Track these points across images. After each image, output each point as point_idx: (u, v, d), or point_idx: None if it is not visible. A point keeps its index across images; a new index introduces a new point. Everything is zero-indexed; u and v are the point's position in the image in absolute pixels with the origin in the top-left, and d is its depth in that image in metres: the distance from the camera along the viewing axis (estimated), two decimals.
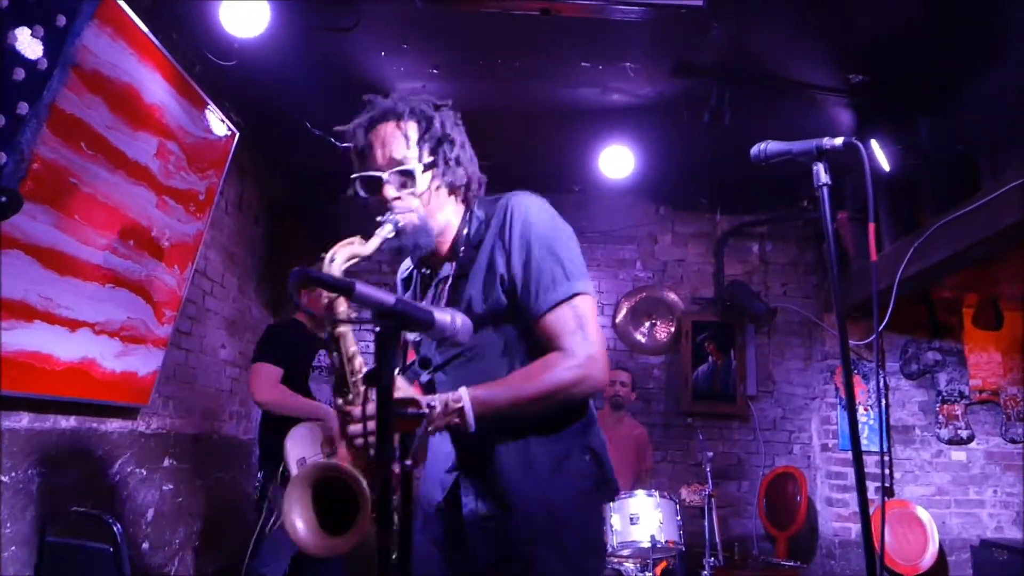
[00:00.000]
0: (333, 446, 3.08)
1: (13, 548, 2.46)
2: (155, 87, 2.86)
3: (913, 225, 3.77)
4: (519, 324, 1.43)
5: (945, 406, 4.78)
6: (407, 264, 1.67)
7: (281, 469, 2.91)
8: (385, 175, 1.41)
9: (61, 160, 2.41)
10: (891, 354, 4.87)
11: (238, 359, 4.25)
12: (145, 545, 3.32)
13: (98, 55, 2.49)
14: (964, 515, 4.68)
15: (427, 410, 1.27)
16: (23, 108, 2.20)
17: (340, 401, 1.34)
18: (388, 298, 0.99)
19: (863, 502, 1.31)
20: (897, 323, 4.67)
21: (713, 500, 3.84)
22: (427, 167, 1.43)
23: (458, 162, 1.47)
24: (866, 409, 4.70)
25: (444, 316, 1.05)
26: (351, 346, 1.36)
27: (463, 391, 1.33)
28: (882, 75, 3.39)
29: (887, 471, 4.65)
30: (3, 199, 1.12)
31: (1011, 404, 4.74)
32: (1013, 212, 2.94)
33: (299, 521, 1.30)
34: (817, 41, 3.25)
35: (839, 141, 1.37)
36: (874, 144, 3.54)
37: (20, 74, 2.17)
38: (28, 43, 2.19)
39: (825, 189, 1.39)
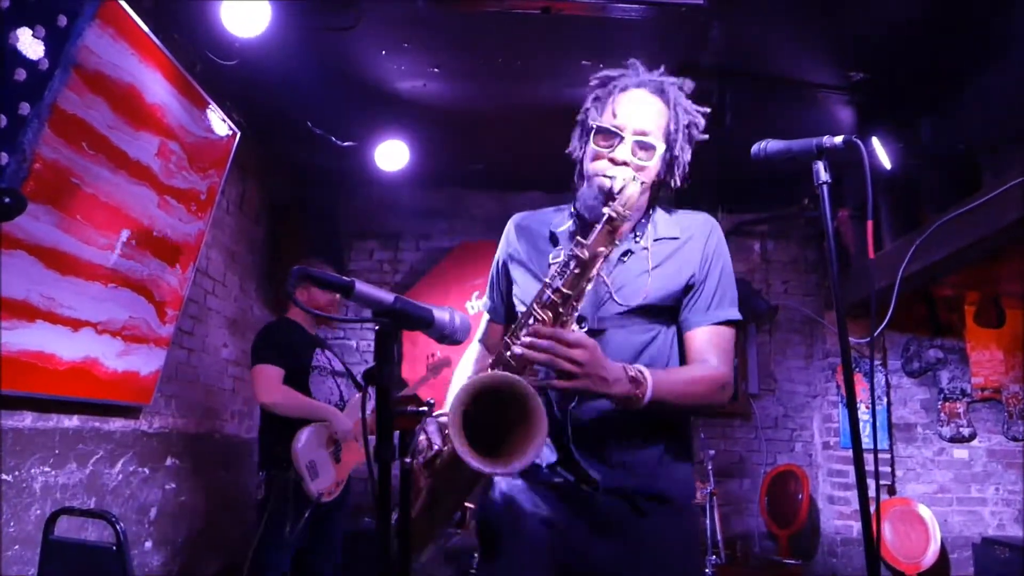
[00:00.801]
0: (337, 445, 3.08)
1: (17, 547, 2.47)
2: (156, 87, 2.87)
3: (914, 223, 3.77)
4: (675, 325, 1.52)
5: (947, 404, 4.78)
6: (561, 219, 1.63)
7: (292, 475, 2.89)
8: (628, 137, 1.45)
9: (63, 160, 2.42)
10: (893, 352, 4.87)
11: (240, 358, 4.26)
12: (148, 544, 3.33)
13: (100, 55, 2.50)
14: (966, 513, 4.68)
15: (427, 407, 1.27)
16: (25, 108, 2.21)
17: (543, 314, 1.34)
18: (387, 297, 1.00)
19: (863, 500, 1.31)
20: (898, 321, 4.67)
21: (715, 498, 3.85)
22: (664, 154, 1.49)
23: (684, 169, 1.53)
24: (867, 407, 4.70)
25: (443, 314, 1.06)
26: (593, 271, 1.35)
27: (645, 369, 1.35)
28: (883, 73, 3.38)
29: (887, 469, 4.65)
30: (7, 200, 1.12)
31: (1013, 402, 4.74)
32: (1014, 210, 2.94)
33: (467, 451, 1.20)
34: (818, 39, 3.25)
35: (839, 139, 1.37)
36: (875, 142, 3.54)
37: (22, 74, 2.18)
38: (29, 43, 2.20)
39: (825, 187, 1.39)
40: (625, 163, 1.44)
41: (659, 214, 1.57)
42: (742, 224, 5.05)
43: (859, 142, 1.34)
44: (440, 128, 4.07)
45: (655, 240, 1.52)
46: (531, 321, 1.36)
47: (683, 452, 1.53)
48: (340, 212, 4.89)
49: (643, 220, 1.54)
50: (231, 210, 4.09)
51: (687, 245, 1.52)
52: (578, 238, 1.36)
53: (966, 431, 4.74)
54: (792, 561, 4.25)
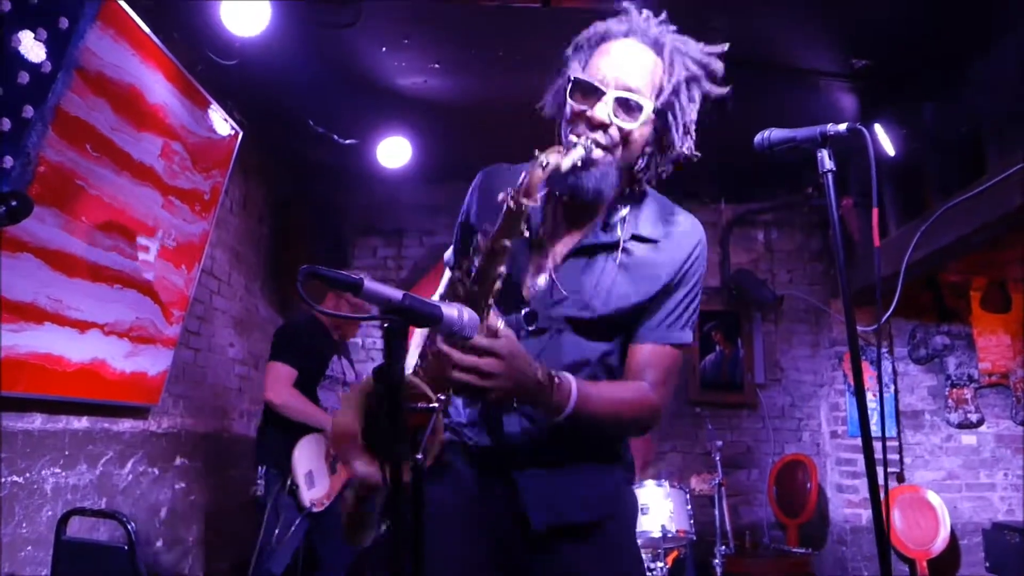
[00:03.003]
0: (335, 457, 3.09)
1: (29, 547, 2.49)
2: (158, 88, 2.87)
3: (919, 209, 3.75)
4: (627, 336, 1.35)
5: (954, 390, 4.77)
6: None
7: (289, 482, 2.91)
8: (609, 94, 1.23)
9: (67, 163, 2.43)
10: (899, 339, 4.86)
11: (247, 357, 4.27)
12: (159, 543, 3.35)
13: (101, 57, 2.50)
14: (975, 499, 4.68)
15: (438, 404, 1.25)
16: (28, 111, 2.21)
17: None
18: (396, 294, 1.00)
19: (874, 488, 1.31)
20: (904, 308, 4.66)
21: (723, 489, 3.85)
22: (652, 119, 1.26)
23: (684, 132, 1.29)
24: (874, 395, 4.69)
25: (452, 311, 1.04)
26: (501, 267, 1.18)
27: (571, 378, 1.21)
28: (885, 59, 3.36)
29: (895, 457, 4.64)
30: (14, 203, 1.13)
31: (1021, 387, 4.73)
32: (1020, 194, 2.92)
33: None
34: (819, 26, 3.23)
35: (843, 127, 1.36)
36: (878, 128, 3.52)
37: (25, 78, 2.18)
38: (32, 46, 2.20)
39: (830, 175, 1.38)
40: (603, 125, 1.23)
41: (648, 204, 1.35)
42: (746, 214, 5.03)
43: (863, 129, 1.33)
44: (442, 123, 4.06)
45: (632, 236, 1.31)
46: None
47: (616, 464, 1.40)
48: (343, 209, 4.89)
49: (619, 206, 1.33)
50: (235, 210, 4.10)
51: (666, 255, 1.31)
52: (485, 225, 1.21)
53: (974, 417, 4.73)
54: (801, 550, 4.25)
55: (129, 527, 2.03)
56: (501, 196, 1.17)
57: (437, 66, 3.55)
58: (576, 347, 1.30)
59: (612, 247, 1.30)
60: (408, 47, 3.38)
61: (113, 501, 2.98)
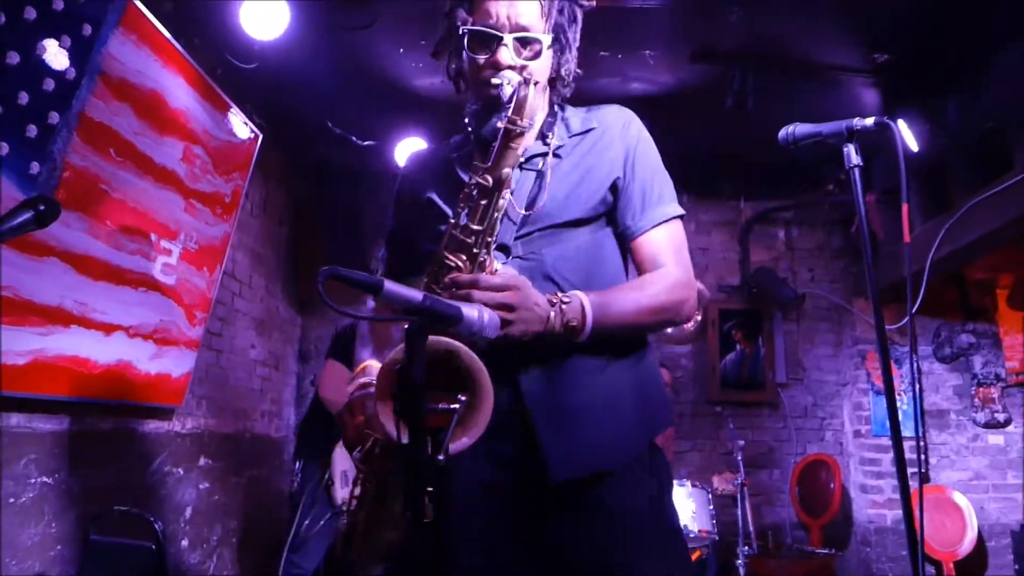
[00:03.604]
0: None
1: (59, 547, 2.52)
2: (179, 92, 2.90)
3: (944, 205, 3.70)
4: (613, 232, 1.35)
5: (981, 389, 4.69)
6: (454, 140, 1.49)
7: (327, 475, 2.95)
8: (507, 37, 1.25)
9: (91, 167, 2.46)
10: (923, 338, 4.79)
11: (267, 358, 4.31)
12: (184, 543, 3.38)
13: (124, 62, 2.53)
14: (1003, 500, 4.60)
15: (458, 404, 1.22)
16: (54, 118, 2.25)
17: (458, 260, 1.18)
18: (416, 295, 0.99)
19: (904, 488, 1.29)
20: (929, 306, 4.59)
21: (746, 489, 3.82)
22: (549, 44, 1.30)
23: (573, 51, 1.35)
24: (899, 394, 4.63)
25: (472, 312, 1.03)
26: (502, 199, 1.18)
27: (579, 294, 1.20)
28: (907, 54, 3.32)
29: (917, 456, 4.57)
30: (42, 207, 1.15)
31: None
32: None
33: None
34: (839, 21, 3.19)
35: (870, 121, 1.34)
36: (901, 124, 3.47)
37: (50, 85, 2.22)
38: (56, 54, 2.23)
39: (856, 171, 1.36)
40: (511, 67, 1.25)
41: (569, 111, 1.39)
42: (766, 212, 4.99)
43: (891, 123, 1.31)
44: (459, 124, 4.06)
45: (570, 137, 1.34)
46: (444, 271, 1.19)
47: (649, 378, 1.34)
48: (361, 210, 4.91)
49: (550, 120, 1.36)
50: (255, 212, 4.13)
51: (606, 137, 1.34)
52: (475, 163, 1.20)
53: (1001, 416, 4.65)
54: (825, 551, 4.21)
55: (156, 527, 2.06)
56: (495, 124, 1.18)
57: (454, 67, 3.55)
58: (561, 260, 1.27)
59: (558, 148, 1.33)
60: (425, 48, 3.38)
61: (139, 501, 3.01)
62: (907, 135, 3.49)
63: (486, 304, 1.08)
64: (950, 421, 4.71)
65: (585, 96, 1.42)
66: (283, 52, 3.13)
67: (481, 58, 1.27)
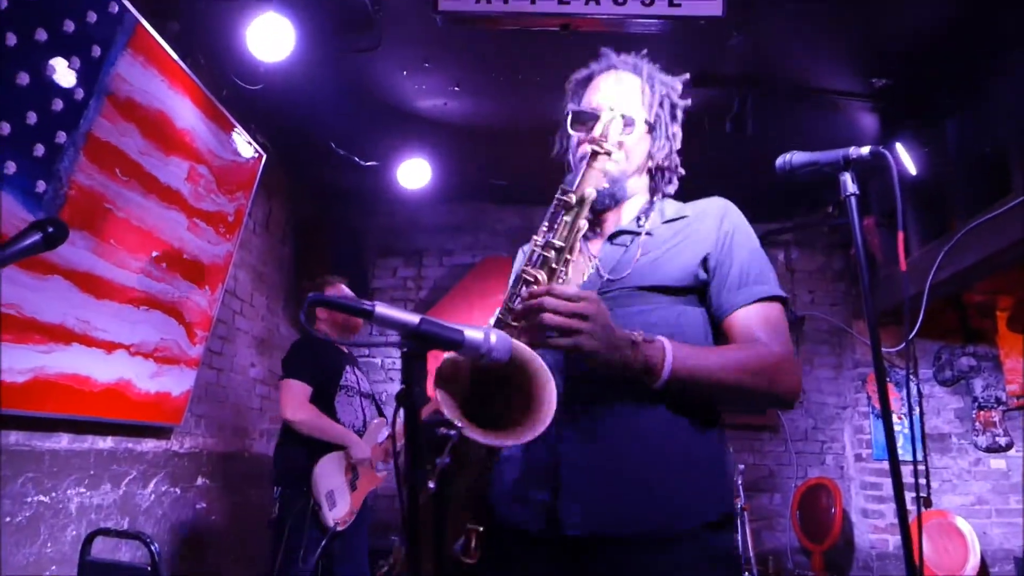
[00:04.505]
0: (355, 472, 3.08)
1: (54, 567, 2.51)
2: (185, 112, 2.93)
3: (942, 229, 3.71)
4: (707, 311, 1.31)
5: (982, 413, 4.68)
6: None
7: (311, 503, 2.91)
8: (604, 114, 1.31)
9: (97, 186, 2.48)
10: (924, 361, 4.78)
11: (267, 377, 4.31)
12: (181, 564, 3.36)
13: (131, 83, 2.56)
14: (1005, 525, 4.56)
15: (455, 432, 1.15)
16: (61, 137, 2.27)
17: (538, 274, 1.18)
18: (411, 319, 0.97)
19: (902, 513, 1.29)
20: (929, 329, 4.59)
21: (746, 513, 3.79)
22: (646, 129, 1.39)
23: (670, 140, 1.43)
24: (899, 417, 4.61)
25: (476, 334, 1.00)
26: (582, 220, 1.21)
27: (662, 337, 1.16)
28: (906, 78, 3.35)
29: (920, 481, 4.55)
30: (51, 230, 1.15)
31: None
32: None
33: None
34: (838, 46, 3.23)
35: (866, 150, 1.36)
36: (899, 148, 3.50)
37: (59, 105, 2.24)
38: (65, 74, 2.26)
39: (853, 199, 1.38)
40: (604, 138, 1.30)
41: (667, 202, 1.43)
42: (766, 234, 4.99)
43: (887, 153, 1.33)
44: (462, 145, 4.11)
45: (663, 223, 1.37)
46: (522, 288, 1.19)
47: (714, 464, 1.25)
48: (364, 230, 4.94)
49: (646, 207, 1.41)
50: (257, 231, 4.15)
51: (699, 223, 1.34)
52: (562, 185, 1.24)
53: (1003, 440, 4.63)
54: None
55: (152, 548, 2.04)
56: (580, 148, 1.31)
57: (457, 89, 3.59)
58: (632, 322, 1.20)
59: (648, 234, 1.35)
60: (428, 71, 3.43)
61: (136, 521, 3.00)
62: (905, 159, 3.52)
63: (558, 312, 1.08)
64: (951, 445, 4.69)
65: None
66: (288, 73, 3.16)
67: (580, 134, 1.38)
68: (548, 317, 1.08)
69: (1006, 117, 3.25)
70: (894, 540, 4.49)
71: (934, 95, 3.44)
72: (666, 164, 1.43)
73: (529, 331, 1.12)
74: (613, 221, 1.41)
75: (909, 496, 4.19)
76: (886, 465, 4.69)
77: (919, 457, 4.58)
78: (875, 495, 4.58)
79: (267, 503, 4.21)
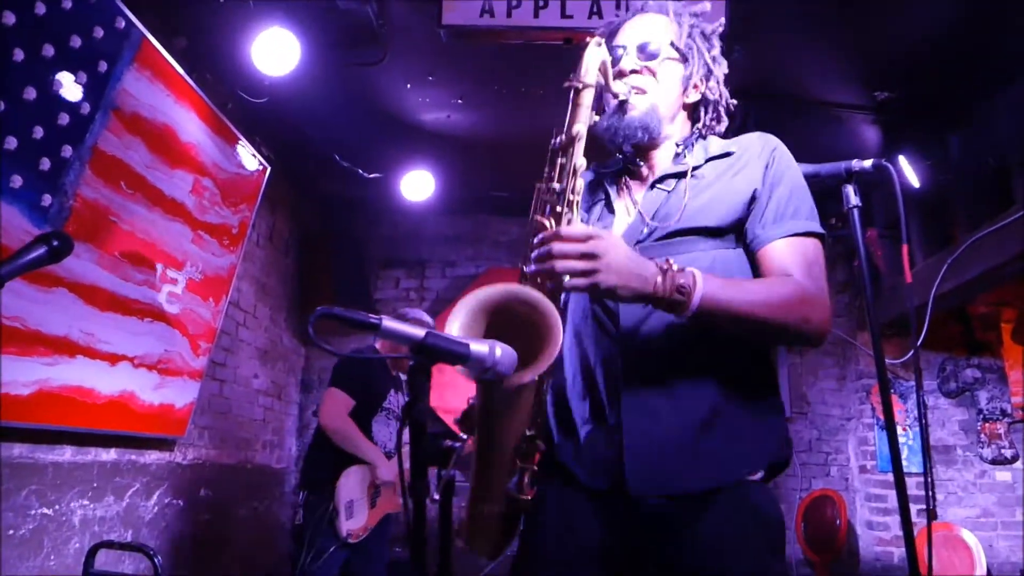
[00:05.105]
0: (377, 491, 3.09)
1: None
2: (190, 126, 2.95)
3: (946, 241, 3.71)
4: (744, 251, 1.28)
5: (987, 424, 4.65)
6: (589, 176, 1.45)
7: (330, 508, 2.92)
8: (630, 47, 1.32)
9: (102, 199, 2.50)
10: (928, 372, 4.76)
11: (270, 388, 4.31)
12: (185, 575, 3.35)
13: (137, 97, 2.58)
14: (1011, 537, 4.53)
15: (460, 444, 1.21)
16: (67, 151, 2.29)
17: (545, 221, 1.17)
18: (417, 333, 0.98)
19: (907, 525, 1.28)
20: (933, 341, 4.58)
21: None
22: (676, 57, 1.34)
23: (708, 71, 1.37)
24: (904, 429, 4.59)
25: (481, 347, 1.00)
26: (578, 159, 1.19)
27: (693, 268, 1.13)
28: (909, 91, 3.36)
29: (922, 492, 4.52)
30: (56, 243, 1.16)
31: None
32: None
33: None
34: (841, 59, 3.25)
35: (868, 163, 1.36)
36: (902, 160, 3.51)
37: (65, 119, 2.26)
38: (72, 89, 2.28)
39: (855, 211, 1.38)
40: (634, 71, 1.31)
41: (711, 139, 1.38)
42: None
43: (889, 165, 1.33)
44: (465, 157, 4.13)
45: (707, 160, 1.33)
46: (534, 235, 1.17)
47: (766, 398, 1.25)
48: (367, 241, 4.95)
49: (688, 140, 1.36)
50: (261, 243, 4.17)
51: (745, 157, 1.31)
52: (555, 130, 1.23)
53: (1008, 452, 4.61)
54: None
55: (156, 560, 2.04)
56: (566, 84, 1.23)
57: (460, 102, 3.61)
58: (694, 261, 1.20)
59: (692, 170, 1.31)
60: (432, 84, 3.45)
61: (139, 533, 2.99)
62: (908, 171, 3.52)
63: (568, 256, 1.07)
64: (956, 457, 4.66)
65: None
66: (293, 87, 3.19)
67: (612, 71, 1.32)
68: (560, 264, 1.07)
69: (1009, 130, 3.26)
70: (899, 552, 4.46)
71: (937, 108, 3.45)
72: (712, 97, 1.37)
73: (548, 279, 1.11)
74: (654, 164, 1.37)
75: (914, 508, 4.17)
76: (891, 477, 4.66)
77: (925, 469, 4.55)
78: (880, 507, 4.56)
79: (270, 514, 4.20)
